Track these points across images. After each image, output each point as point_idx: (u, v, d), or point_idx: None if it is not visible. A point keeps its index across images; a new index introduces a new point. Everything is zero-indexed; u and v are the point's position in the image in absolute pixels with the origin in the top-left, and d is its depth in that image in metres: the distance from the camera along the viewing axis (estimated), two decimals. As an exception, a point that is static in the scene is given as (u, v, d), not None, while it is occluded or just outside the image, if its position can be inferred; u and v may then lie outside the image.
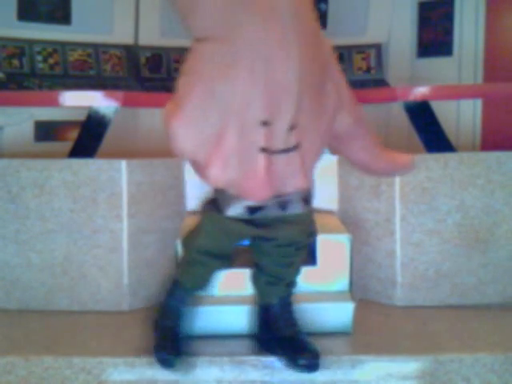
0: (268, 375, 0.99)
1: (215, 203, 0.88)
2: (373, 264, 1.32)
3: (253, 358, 0.99)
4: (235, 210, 0.79)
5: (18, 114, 2.01)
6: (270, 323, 1.02)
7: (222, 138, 0.39)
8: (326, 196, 1.40)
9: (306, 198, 0.78)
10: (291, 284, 1.03)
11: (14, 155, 1.77)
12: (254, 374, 0.99)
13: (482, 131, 2.23)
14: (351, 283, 1.15)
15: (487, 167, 1.27)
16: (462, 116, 2.24)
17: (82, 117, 1.53)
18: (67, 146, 1.56)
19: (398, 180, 1.27)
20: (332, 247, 1.14)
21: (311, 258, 1.18)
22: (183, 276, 1.00)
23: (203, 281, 1.00)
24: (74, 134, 1.59)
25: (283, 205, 0.74)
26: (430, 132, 1.56)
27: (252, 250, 1.00)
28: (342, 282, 1.14)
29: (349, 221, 1.32)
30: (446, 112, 1.84)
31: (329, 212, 1.38)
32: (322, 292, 1.14)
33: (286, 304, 1.03)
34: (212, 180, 0.41)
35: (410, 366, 1.00)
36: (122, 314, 1.24)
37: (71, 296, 1.27)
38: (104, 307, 1.26)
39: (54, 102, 1.56)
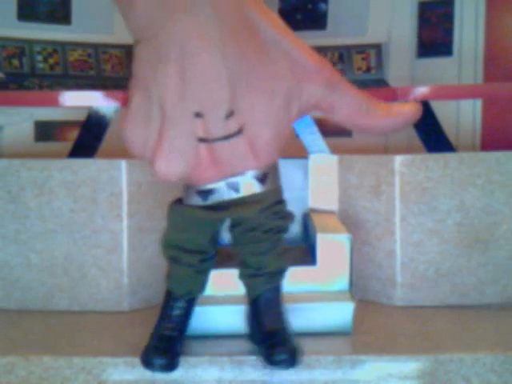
0: (268, 375, 0.99)
1: (180, 198, 0.85)
2: (373, 264, 1.32)
3: (253, 358, 0.99)
4: (190, 198, 0.80)
5: (18, 114, 2.01)
6: (255, 318, 0.97)
7: (162, 133, 0.40)
8: (325, 196, 1.40)
9: (263, 178, 0.75)
10: (274, 275, 0.95)
11: (13, 155, 1.77)
12: (253, 374, 0.99)
13: (482, 131, 2.23)
14: (351, 283, 1.15)
15: (487, 167, 1.27)
16: (461, 116, 2.23)
17: (82, 117, 1.53)
18: (67, 145, 1.56)
19: (397, 180, 1.27)
20: (332, 247, 1.14)
21: (311, 258, 1.18)
22: (170, 283, 0.94)
23: (190, 283, 0.93)
24: (73, 134, 1.59)
25: (236, 187, 0.73)
26: (430, 132, 1.56)
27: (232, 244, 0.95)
28: (341, 282, 1.14)
29: (349, 221, 1.32)
30: (446, 112, 1.83)
31: (329, 212, 1.38)
32: (322, 292, 1.13)
33: (271, 298, 0.96)
34: (159, 174, 0.42)
35: (409, 365, 1.00)
36: (122, 314, 1.24)
37: (71, 296, 1.27)
38: (104, 307, 1.26)
39: (54, 102, 1.56)
